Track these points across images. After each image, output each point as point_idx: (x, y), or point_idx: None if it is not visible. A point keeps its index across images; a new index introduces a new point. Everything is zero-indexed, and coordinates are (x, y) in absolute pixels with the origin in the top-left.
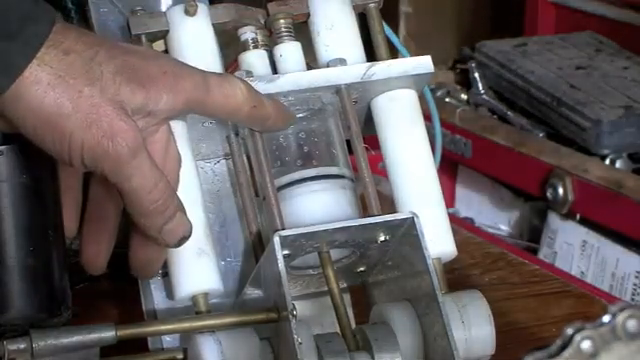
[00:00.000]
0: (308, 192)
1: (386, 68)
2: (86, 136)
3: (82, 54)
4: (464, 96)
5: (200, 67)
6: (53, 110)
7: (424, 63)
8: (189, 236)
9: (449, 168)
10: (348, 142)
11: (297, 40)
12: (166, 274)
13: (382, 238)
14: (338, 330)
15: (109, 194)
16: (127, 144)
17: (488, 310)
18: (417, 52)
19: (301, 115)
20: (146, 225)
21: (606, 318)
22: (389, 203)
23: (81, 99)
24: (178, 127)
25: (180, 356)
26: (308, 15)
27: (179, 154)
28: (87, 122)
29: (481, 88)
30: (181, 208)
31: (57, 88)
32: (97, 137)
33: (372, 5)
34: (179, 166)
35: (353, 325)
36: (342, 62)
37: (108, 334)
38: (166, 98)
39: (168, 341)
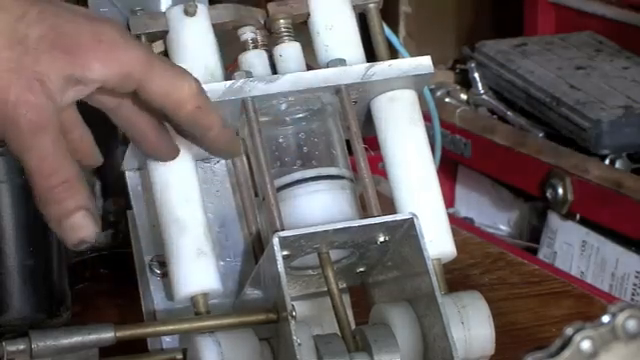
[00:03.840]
0: (308, 193)
1: (386, 68)
2: None
3: (10, 12)
4: (464, 96)
5: (200, 67)
6: None
7: (424, 63)
8: (90, 242)
9: (449, 168)
10: (348, 142)
11: (297, 40)
12: (165, 274)
13: (382, 239)
14: (338, 331)
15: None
16: (29, 119)
17: (488, 310)
18: (417, 52)
19: (301, 115)
20: (43, 213)
21: (606, 318)
22: (389, 204)
23: None
24: None
25: (179, 356)
26: (308, 15)
27: None
28: None
29: (481, 88)
30: (87, 208)
31: None
32: (3, 106)
33: (372, 5)
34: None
35: (353, 326)
36: (342, 62)
37: (107, 335)
38: (98, 67)
39: (167, 342)
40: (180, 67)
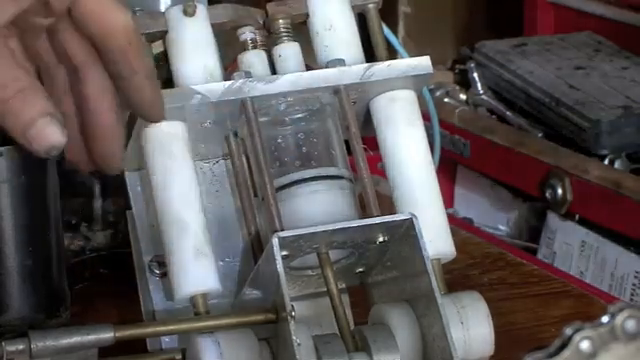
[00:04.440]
0: (307, 193)
1: (385, 69)
2: None
3: None
4: (463, 96)
5: (199, 67)
6: None
7: (423, 63)
8: (60, 146)
9: (448, 168)
10: (347, 142)
11: (296, 40)
12: (165, 274)
13: (381, 239)
14: (337, 331)
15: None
16: None
17: (487, 310)
18: (416, 52)
19: (300, 115)
20: (4, 127)
21: (605, 318)
22: (388, 204)
23: None
24: (177, 127)
25: (179, 357)
26: (307, 15)
27: (119, 15)
28: None
29: (480, 88)
30: (50, 114)
31: None
32: None
33: (371, 5)
34: (119, 27)
35: (352, 326)
36: (341, 63)
37: (107, 335)
38: None
39: (167, 342)
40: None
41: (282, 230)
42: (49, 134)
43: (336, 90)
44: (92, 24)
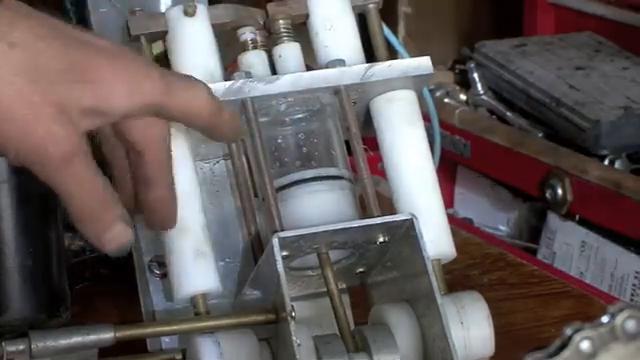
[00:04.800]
0: (307, 193)
1: (385, 69)
2: (21, 140)
3: (30, 47)
4: (463, 97)
5: (200, 68)
6: None
7: (423, 64)
8: (129, 245)
9: (448, 169)
10: (347, 143)
11: (296, 41)
12: (165, 275)
13: (381, 239)
14: (337, 331)
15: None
16: (62, 151)
17: (487, 311)
18: (416, 53)
19: (300, 116)
20: (82, 231)
21: (605, 318)
22: (388, 204)
23: (20, 98)
24: (178, 128)
25: (179, 357)
26: (307, 16)
27: (164, 129)
28: (22, 123)
29: (480, 89)
30: (123, 217)
31: None
32: (32, 141)
33: (371, 6)
34: (162, 140)
35: (352, 326)
36: (341, 63)
37: (107, 335)
38: (120, 99)
39: (167, 342)
40: (190, 78)
41: (282, 230)
42: (122, 236)
43: (336, 90)
44: (179, 117)
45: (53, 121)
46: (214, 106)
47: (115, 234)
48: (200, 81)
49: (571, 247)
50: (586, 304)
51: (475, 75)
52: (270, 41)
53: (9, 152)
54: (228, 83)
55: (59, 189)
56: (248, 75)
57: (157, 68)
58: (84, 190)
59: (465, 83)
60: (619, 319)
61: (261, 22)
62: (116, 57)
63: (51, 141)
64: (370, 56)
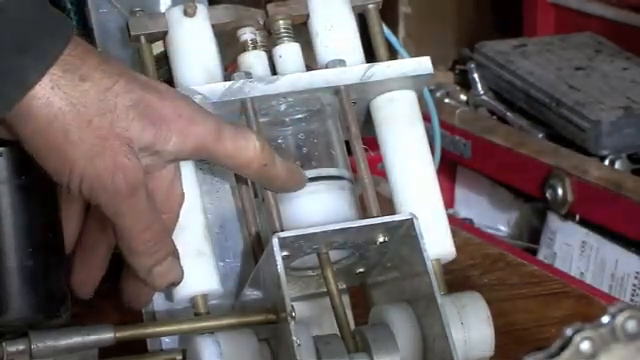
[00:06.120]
0: (307, 193)
1: (385, 69)
2: (87, 167)
3: (99, 83)
4: (463, 97)
5: (199, 68)
6: (59, 136)
7: (423, 64)
8: (178, 283)
9: (448, 169)
10: (347, 143)
11: (296, 41)
12: None
13: (381, 239)
14: (337, 331)
15: (104, 227)
16: (126, 181)
17: (487, 311)
18: (416, 53)
19: (300, 116)
20: (134, 264)
21: (605, 319)
22: (388, 204)
23: (89, 129)
24: None
25: (179, 357)
26: (307, 16)
27: (183, 192)
28: (91, 153)
29: (480, 89)
30: (174, 253)
31: (67, 115)
32: (98, 170)
33: (371, 6)
34: (180, 205)
35: (352, 326)
36: (341, 63)
37: (107, 335)
38: (175, 140)
39: (167, 342)
40: (245, 128)
41: (282, 230)
42: (172, 272)
43: (336, 90)
44: (228, 164)
45: (121, 153)
46: (264, 158)
47: (165, 269)
48: (251, 131)
49: (571, 247)
50: (586, 304)
51: (475, 75)
52: (270, 41)
53: (73, 180)
54: (228, 83)
55: (119, 219)
56: (248, 75)
57: (213, 115)
58: (143, 222)
59: (465, 83)
60: (619, 319)
61: (261, 22)
62: (176, 99)
63: (119, 171)
64: (370, 56)
